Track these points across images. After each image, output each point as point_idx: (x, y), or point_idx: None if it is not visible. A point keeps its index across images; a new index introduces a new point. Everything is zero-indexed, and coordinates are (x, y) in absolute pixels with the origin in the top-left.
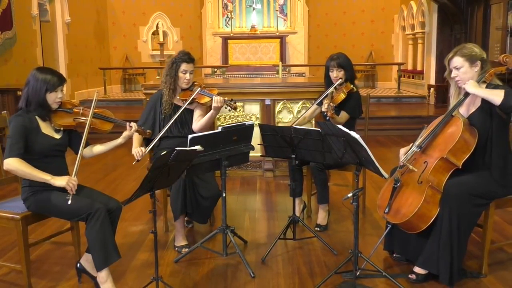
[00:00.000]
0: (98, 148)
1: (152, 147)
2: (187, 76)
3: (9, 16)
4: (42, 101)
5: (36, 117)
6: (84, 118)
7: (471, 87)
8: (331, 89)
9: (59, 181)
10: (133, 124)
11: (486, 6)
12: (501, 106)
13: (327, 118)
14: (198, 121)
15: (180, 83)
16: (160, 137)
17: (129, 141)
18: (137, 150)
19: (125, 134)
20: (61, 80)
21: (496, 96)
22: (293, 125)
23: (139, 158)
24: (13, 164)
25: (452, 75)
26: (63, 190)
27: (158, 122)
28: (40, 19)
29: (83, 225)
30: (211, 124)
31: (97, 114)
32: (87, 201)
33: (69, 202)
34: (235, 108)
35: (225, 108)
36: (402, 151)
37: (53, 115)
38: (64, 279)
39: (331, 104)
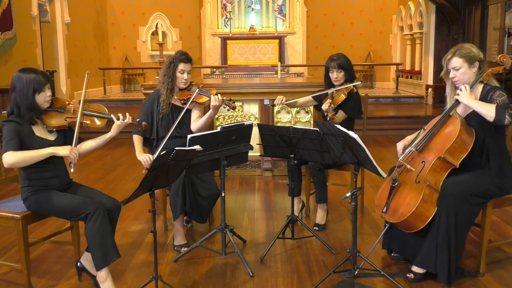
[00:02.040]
0: (90, 144)
1: (151, 146)
2: (185, 76)
3: (9, 16)
4: (31, 103)
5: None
6: (76, 116)
7: (464, 97)
8: (332, 90)
9: (62, 150)
10: (127, 115)
11: (484, 6)
12: (494, 123)
13: (328, 119)
14: (197, 121)
15: (177, 83)
16: (159, 137)
17: (127, 142)
18: (145, 157)
19: (114, 125)
20: (46, 78)
21: (488, 112)
22: (285, 102)
23: (148, 167)
24: (10, 157)
25: (451, 75)
26: (62, 189)
27: (155, 121)
28: (40, 19)
29: (82, 224)
30: (209, 124)
31: (88, 110)
32: (86, 200)
33: (72, 170)
34: (233, 108)
35: (224, 107)
36: (400, 145)
37: (45, 115)
38: (63, 278)
39: (332, 105)
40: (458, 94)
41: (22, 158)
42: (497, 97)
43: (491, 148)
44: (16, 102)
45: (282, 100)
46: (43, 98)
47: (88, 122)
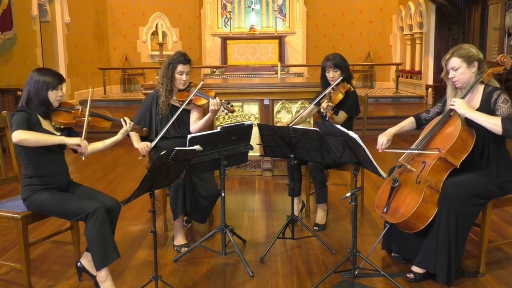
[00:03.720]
0: (97, 146)
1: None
2: (184, 77)
3: (9, 16)
4: (44, 99)
5: (38, 114)
6: (83, 116)
7: (463, 109)
8: (329, 90)
9: (72, 140)
10: (127, 119)
11: (484, 6)
12: (503, 136)
13: (326, 118)
14: (196, 123)
15: (176, 84)
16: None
17: (127, 142)
18: (142, 145)
19: (123, 130)
20: (60, 79)
21: (495, 126)
22: (291, 125)
23: (145, 154)
24: (21, 133)
25: (450, 75)
26: (63, 189)
27: (154, 122)
28: (40, 19)
29: (83, 224)
30: (208, 126)
31: (95, 112)
32: (86, 200)
33: (83, 158)
34: (232, 112)
35: (222, 111)
36: (385, 139)
37: (53, 114)
38: (63, 278)
39: (330, 104)
40: (452, 105)
41: (33, 136)
42: (502, 103)
43: (492, 149)
44: (29, 96)
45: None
46: (55, 95)
47: (95, 122)
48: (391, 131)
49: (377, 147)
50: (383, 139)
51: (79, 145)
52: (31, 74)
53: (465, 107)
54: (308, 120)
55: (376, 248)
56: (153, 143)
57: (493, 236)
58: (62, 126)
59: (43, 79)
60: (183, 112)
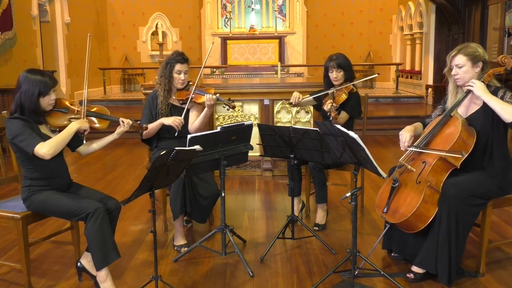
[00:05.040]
0: (93, 145)
1: (152, 146)
2: (182, 76)
3: (9, 16)
4: (35, 106)
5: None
6: (79, 114)
7: (480, 90)
8: (332, 90)
9: (84, 124)
10: (126, 120)
11: (484, 6)
12: (509, 125)
13: (330, 118)
14: (194, 122)
15: (175, 83)
16: (159, 137)
17: (127, 142)
18: (176, 120)
19: (119, 130)
20: (53, 81)
21: (506, 113)
22: (301, 99)
23: (180, 129)
24: (47, 147)
25: (453, 72)
26: (63, 189)
27: None
28: (40, 19)
29: (83, 224)
30: (206, 123)
31: (91, 113)
32: (86, 200)
33: (84, 141)
34: (233, 107)
35: (224, 107)
36: (408, 136)
37: (48, 116)
38: (63, 278)
39: (334, 104)
40: (471, 86)
41: (57, 143)
42: (510, 99)
43: (493, 149)
44: (20, 102)
45: (299, 98)
46: (47, 101)
47: (91, 123)
48: (411, 127)
49: (400, 144)
50: (405, 136)
51: (85, 129)
52: (22, 76)
53: (483, 89)
54: (308, 120)
55: (376, 248)
56: (183, 116)
57: (493, 236)
58: (58, 129)
59: (34, 85)
60: (185, 112)
